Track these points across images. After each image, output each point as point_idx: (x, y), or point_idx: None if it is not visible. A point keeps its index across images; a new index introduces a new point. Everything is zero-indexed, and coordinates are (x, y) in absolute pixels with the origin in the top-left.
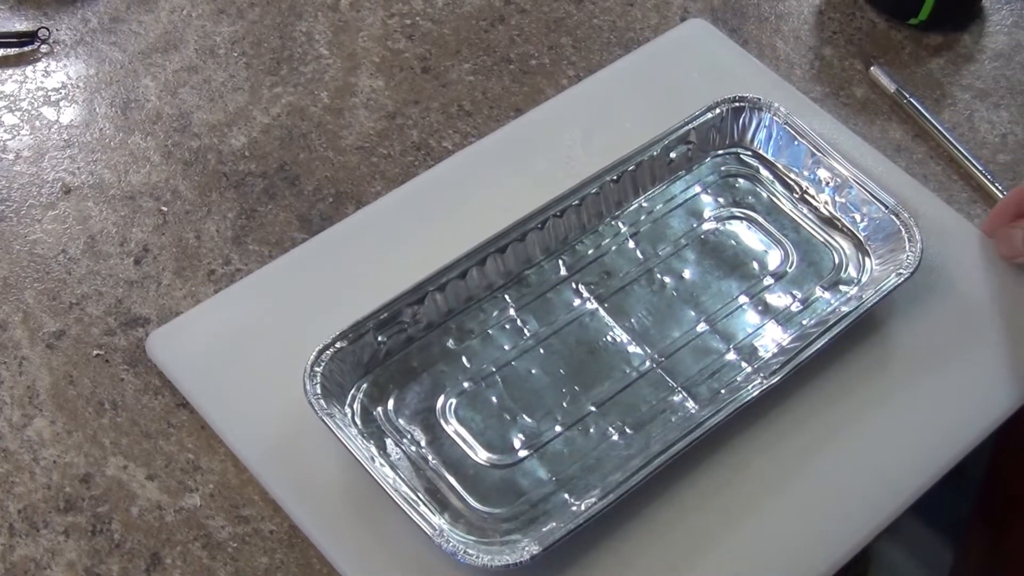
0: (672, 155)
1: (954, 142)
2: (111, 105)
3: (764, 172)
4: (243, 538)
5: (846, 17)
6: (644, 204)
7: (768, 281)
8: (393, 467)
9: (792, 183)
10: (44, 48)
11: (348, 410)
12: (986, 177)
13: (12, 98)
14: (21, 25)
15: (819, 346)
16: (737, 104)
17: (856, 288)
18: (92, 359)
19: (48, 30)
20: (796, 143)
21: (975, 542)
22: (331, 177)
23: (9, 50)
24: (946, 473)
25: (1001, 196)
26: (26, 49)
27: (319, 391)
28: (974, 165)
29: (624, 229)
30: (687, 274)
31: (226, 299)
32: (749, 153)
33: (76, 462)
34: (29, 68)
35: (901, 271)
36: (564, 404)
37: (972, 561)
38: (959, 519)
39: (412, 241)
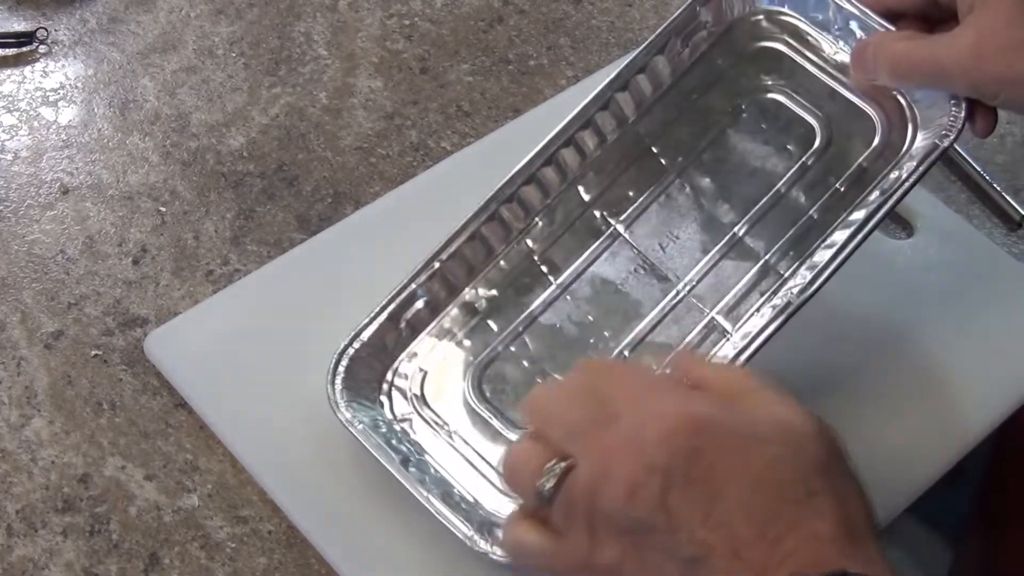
0: (688, 43)
1: None
2: (109, 105)
3: (789, 37)
4: (241, 538)
5: None
6: (658, 106)
7: (807, 162)
8: (421, 452)
9: (822, 43)
10: (42, 48)
11: (384, 400)
12: (984, 178)
13: (10, 98)
14: (19, 25)
15: (862, 235)
16: None
17: (901, 160)
18: (90, 359)
19: (46, 30)
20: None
21: (974, 542)
22: (329, 177)
23: (7, 50)
24: (945, 473)
25: (1001, 196)
26: (24, 49)
27: (344, 397)
28: (972, 166)
29: (644, 137)
30: (716, 177)
31: (224, 299)
32: (770, 19)
33: (74, 462)
34: (27, 68)
35: (945, 133)
36: (595, 356)
37: (971, 561)
38: (958, 519)
39: (411, 242)
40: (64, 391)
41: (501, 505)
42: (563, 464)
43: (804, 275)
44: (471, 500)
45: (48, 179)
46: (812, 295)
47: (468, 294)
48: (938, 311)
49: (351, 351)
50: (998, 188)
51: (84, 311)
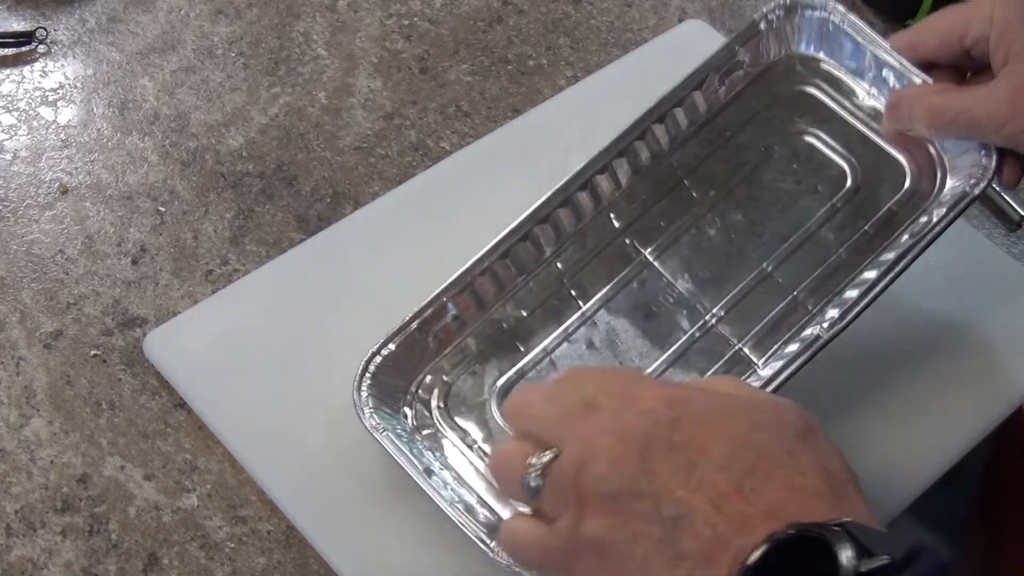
0: (725, 81)
1: None
2: (109, 105)
3: (822, 80)
4: (240, 538)
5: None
6: (696, 140)
7: (836, 205)
8: (447, 467)
9: (855, 89)
10: (42, 48)
11: (407, 411)
12: None
13: (10, 98)
14: (19, 25)
15: (889, 277)
16: (788, 3)
17: (930, 206)
18: (89, 359)
19: (46, 30)
20: (857, 44)
21: (973, 542)
22: (329, 177)
23: (7, 50)
24: (944, 473)
25: (1001, 197)
26: (24, 49)
27: (370, 404)
28: None
29: (676, 170)
30: (746, 213)
31: (224, 299)
32: (805, 62)
33: (73, 462)
34: (27, 68)
35: (975, 182)
36: None
37: (970, 561)
38: (957, 519)
39: (410, 242)
40: (63, 391)
41: None
42: (548, 453)
43: (832, 312)
44: (490, 514)
45: (47, 179)
46: (840, 331)
47: (497, 312)
48: (938, 311)
49: (378, 359)
50: (997, 188)
51: (83, 311)
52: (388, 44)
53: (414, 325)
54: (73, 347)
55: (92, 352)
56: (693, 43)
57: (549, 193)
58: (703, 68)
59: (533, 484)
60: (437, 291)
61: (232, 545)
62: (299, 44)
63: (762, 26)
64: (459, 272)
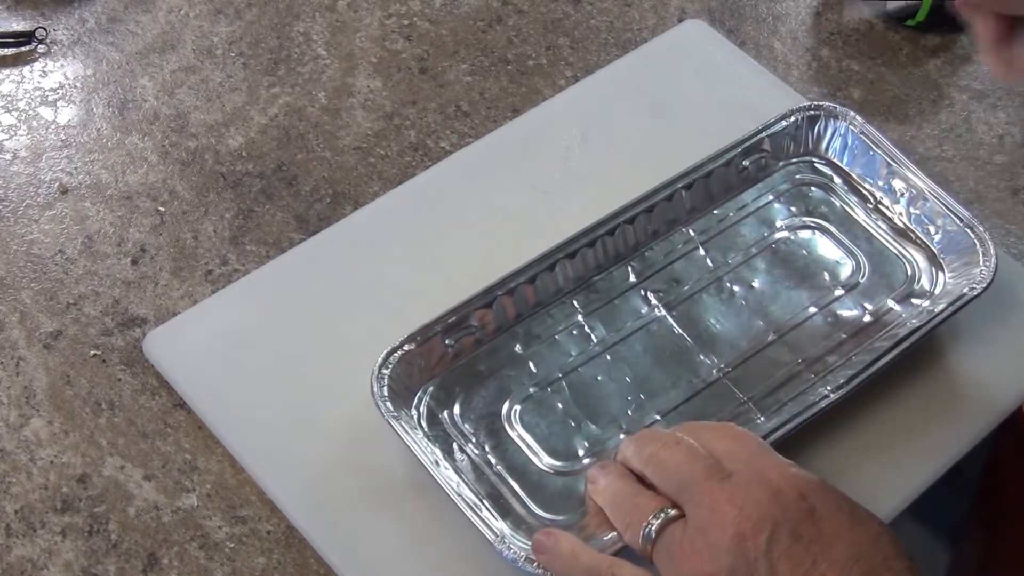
0: (745, 163)
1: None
2: (108, 105)
3: (838, 181)
4: (240, 538)
5: (843, 18)
6: (716, 212)
7: (839, 292)
8: (458, 471)
9: (866, 193)
10: (41, 48)
11: (415, 412)
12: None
13: (9, 98)
14: (18, 25)
15: (888, 359)
16: (812, 112)
17: (928, 302)
18: (89, 359)
19: (45, 30)
20: (871, 153)
21: (971, 543)
22: (328, 177)
23: (6, 50)
24: (943, 474)
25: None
26: (23, 49)
27: (386, 393)
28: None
29: (695, 236)
30: (757, 283)
31: (223, 299)
32: (823, 162)
33: (73, 462)
34: (26, 68)
35: (974, 285)
36: (629, 412)
37: (969, 562)
38: (955, 520)
39: (409, 242)
40: (63, 391)
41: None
42: (673, 512)
43: (836, 378)
44: (492, 516)
45: (47, 179)
46: (839, 400)
47: (515, 334)
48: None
49: (398, 354)
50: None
51: (83, 311)
52: (388, 44)
53: (438, 329)
54: (73, 347)
55: (92, 352)
56: (692, 43)
57: (577, 231)
58: (730, 147)
59: (654, 536)
60: (463, 300)
61: (232, 545)
62: (299, 44)
63: (784, 123)
64: (486, 287)
